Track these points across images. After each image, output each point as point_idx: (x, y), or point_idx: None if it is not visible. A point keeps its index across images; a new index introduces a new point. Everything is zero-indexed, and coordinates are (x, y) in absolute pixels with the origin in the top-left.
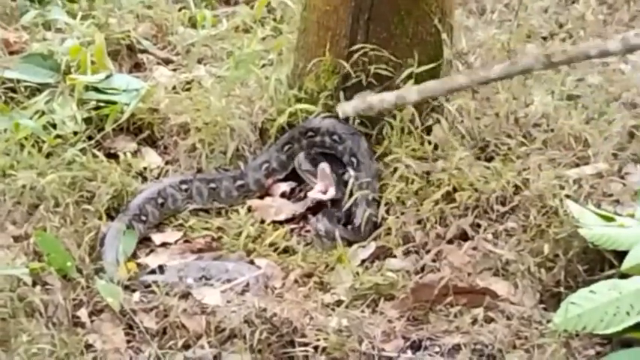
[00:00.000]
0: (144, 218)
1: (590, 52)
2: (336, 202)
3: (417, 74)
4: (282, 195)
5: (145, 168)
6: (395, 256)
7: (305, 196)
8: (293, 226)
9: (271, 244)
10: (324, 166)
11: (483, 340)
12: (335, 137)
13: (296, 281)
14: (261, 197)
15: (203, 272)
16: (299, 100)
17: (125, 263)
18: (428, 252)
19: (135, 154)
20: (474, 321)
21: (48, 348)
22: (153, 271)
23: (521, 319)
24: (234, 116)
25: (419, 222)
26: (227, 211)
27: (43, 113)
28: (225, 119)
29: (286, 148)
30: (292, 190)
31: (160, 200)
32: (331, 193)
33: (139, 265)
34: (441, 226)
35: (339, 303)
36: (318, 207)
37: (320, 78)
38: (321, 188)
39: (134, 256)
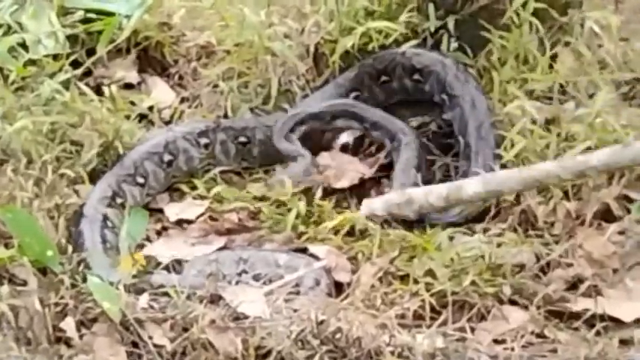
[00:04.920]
0: (141, 180)
1: None
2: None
3: None
4: (344, 149)
5: (151, 108)
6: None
7: (377, 150)
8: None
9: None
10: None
11: None
12: (416, 76)
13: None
14: (313, 152)
15: (243, 266)
16: (371, 15)
17: (131, 253)
18: (556, 239)
19: (138, 86)
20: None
21: None
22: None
23: None
24: (278, 35)
25: (541, 193)
26: (267, 171)
27: (10, 29)
28: (264, 39)
29: (353, 96)
30: (359, 140)
31: (168, 157)
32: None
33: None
34: (574, 200)
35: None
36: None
37: None
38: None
39: None
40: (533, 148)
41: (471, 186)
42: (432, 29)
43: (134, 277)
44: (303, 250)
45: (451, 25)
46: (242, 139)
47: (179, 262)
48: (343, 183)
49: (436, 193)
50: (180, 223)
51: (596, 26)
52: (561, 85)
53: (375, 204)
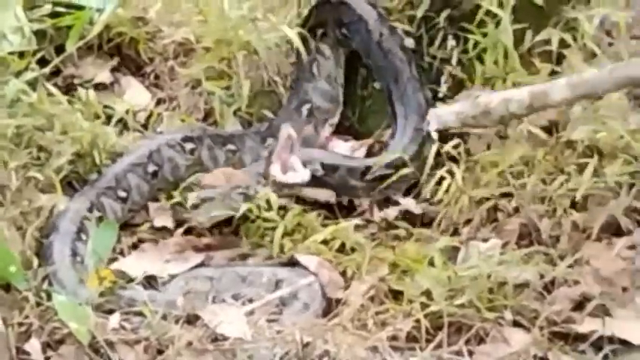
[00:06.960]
0: (123, 195)
1: None
2: None
3: None
4: None
5: (127, 111)
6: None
7: None
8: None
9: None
10: (286, 127)
11: None
12: (344, 30)
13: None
14: None
15: (243, 285)
16: None
17: (97, 270)
18: (561, 255)
19: (111, 87)
20: None
21: None
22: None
23: None
24: (260, 30)
25: (544, 203)
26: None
27: None
28: (245, 34)
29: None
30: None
31: (152, 167)
32: (303, 175)
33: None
34: (579, 212)
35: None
36: None
37: None
38: (279, 164)
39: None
40: (533, 155)
41: (558, 90)
42: (420, 15)
43: (101, 295)
44: (293, 264)
45: (443, 18)
46: (230, 146)
47: (154, 278)
48: (331, 198)
49: (517, 100)
50: (156, 232)
51: (606, 23)
52: None
53: (446, 116)
